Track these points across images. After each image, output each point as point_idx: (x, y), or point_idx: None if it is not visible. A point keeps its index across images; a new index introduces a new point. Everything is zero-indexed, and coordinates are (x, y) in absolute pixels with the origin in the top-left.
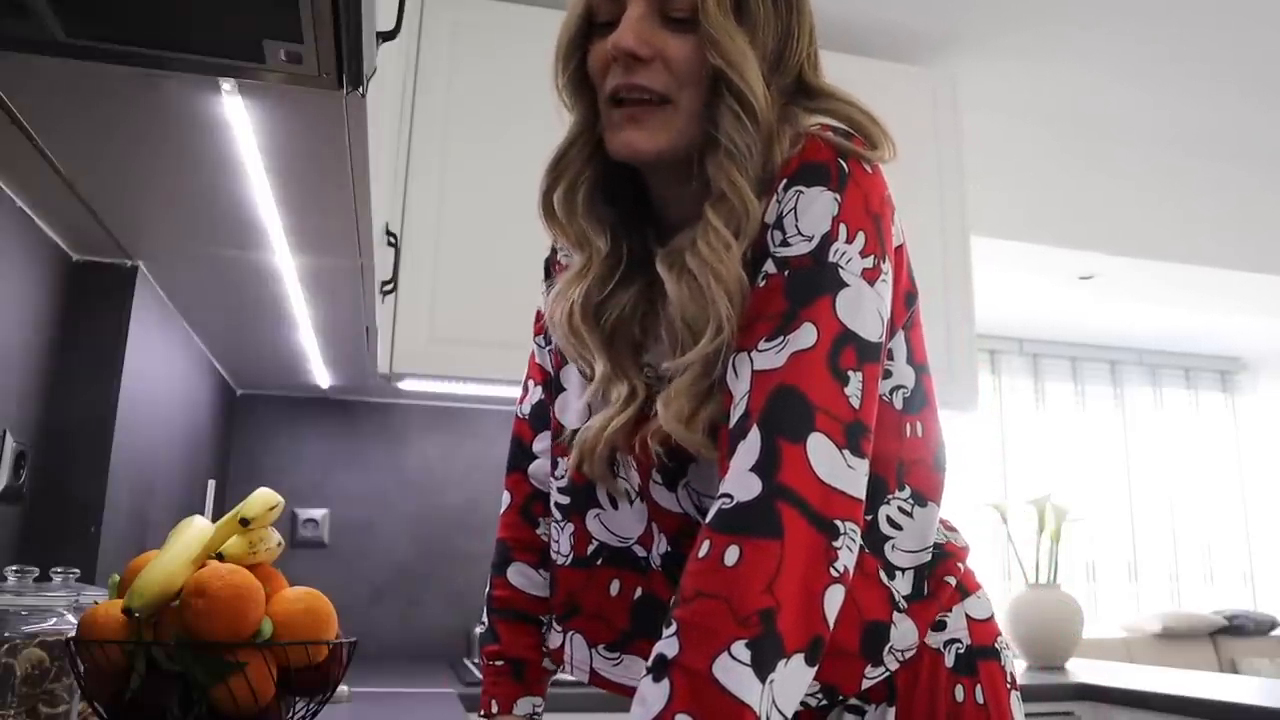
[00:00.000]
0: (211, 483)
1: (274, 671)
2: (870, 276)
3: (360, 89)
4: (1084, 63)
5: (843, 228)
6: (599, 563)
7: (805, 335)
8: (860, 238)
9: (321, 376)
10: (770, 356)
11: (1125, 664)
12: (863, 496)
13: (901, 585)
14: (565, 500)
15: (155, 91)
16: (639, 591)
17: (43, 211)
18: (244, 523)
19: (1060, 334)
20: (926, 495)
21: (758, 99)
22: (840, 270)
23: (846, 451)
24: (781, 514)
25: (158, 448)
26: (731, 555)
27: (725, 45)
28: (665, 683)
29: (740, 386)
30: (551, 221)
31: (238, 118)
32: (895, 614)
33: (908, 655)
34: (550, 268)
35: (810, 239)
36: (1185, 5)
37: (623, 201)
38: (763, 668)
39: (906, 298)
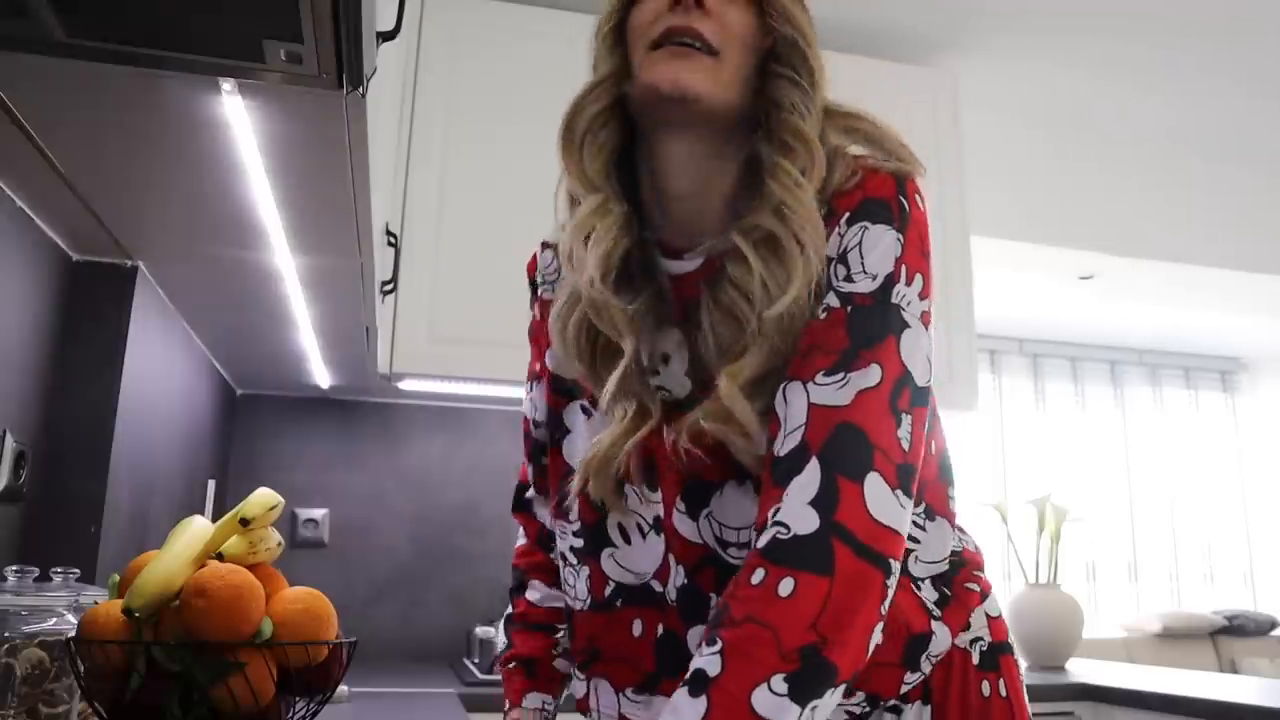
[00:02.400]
0: (211, 483)
1: (274, 671)
2: (926, 320)
3: (360, 89)
4: (1084, 63)
5: (904, 269)
6: (619, 604)
7: (870, 374)
8: (918, 280)
9: (321, 376)
10: (831, 392)
11: (1125, 664)
12: (906, 534)
13: (928, 594)
14: (579, 544)
15: (155, 91)
16: (661, 629)
17: (43, 211)
18: (244, 523)
19: (1060, 334)
20: (936, 510)
21: (822, 72)
22: (903, 311)
23: (899, 491)
24: (835, 551)
25: (158, 448)
26: (786, 587)
27: (797, 16)
28: (703, 699)
29: (795, 417)
30: (570, 154)
31: (238, 118)
32: (932, 622)
33: (938, 659)
34: (533, 299)
35: (875, 278)
36: (1185, 6)
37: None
38: (801, 697)
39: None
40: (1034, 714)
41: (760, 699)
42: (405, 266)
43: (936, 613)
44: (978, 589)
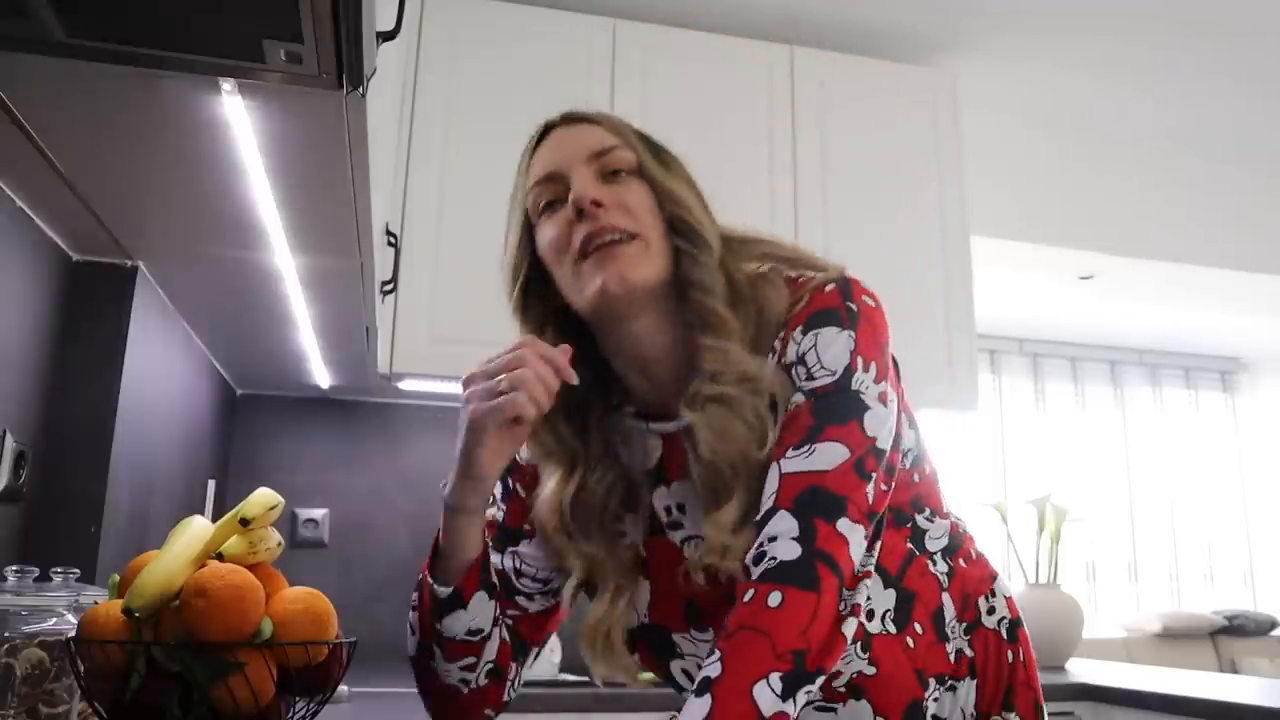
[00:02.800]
0: (211, 483)
1: (274, 671)
2: (883, 399)
3: (360, 89)
4: (1084, 63)
5: (860, 360)
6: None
7: (836, 450)
8: (874, 368)
9: (321, 376)
10: (799, 461)
11: (1125, 664)
12: (872, 569)
13: (940, 567)
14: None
15: (155, 91)
16: None
17: (43, 211)
18: (244, 523)
19: (1060, 334)
20: (935, 510)
21: (706, 232)
22: (862, 395)
23: (867, 537)
24: (820, 573)
25: (158, 448)
26: (774, 599)
27: (670, 188)
28: (707, 698)
29: (769, 487)
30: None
31: (238, 118)
32: (943, 594)
33: (960, 628)
34: (508, 479)
35: (834, 372)
36: (1185, 6)
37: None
38: (790, 694)
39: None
40: None
41: (761, 694)
42: (405, 266)
43: (944, 582)
44: (967, 564)
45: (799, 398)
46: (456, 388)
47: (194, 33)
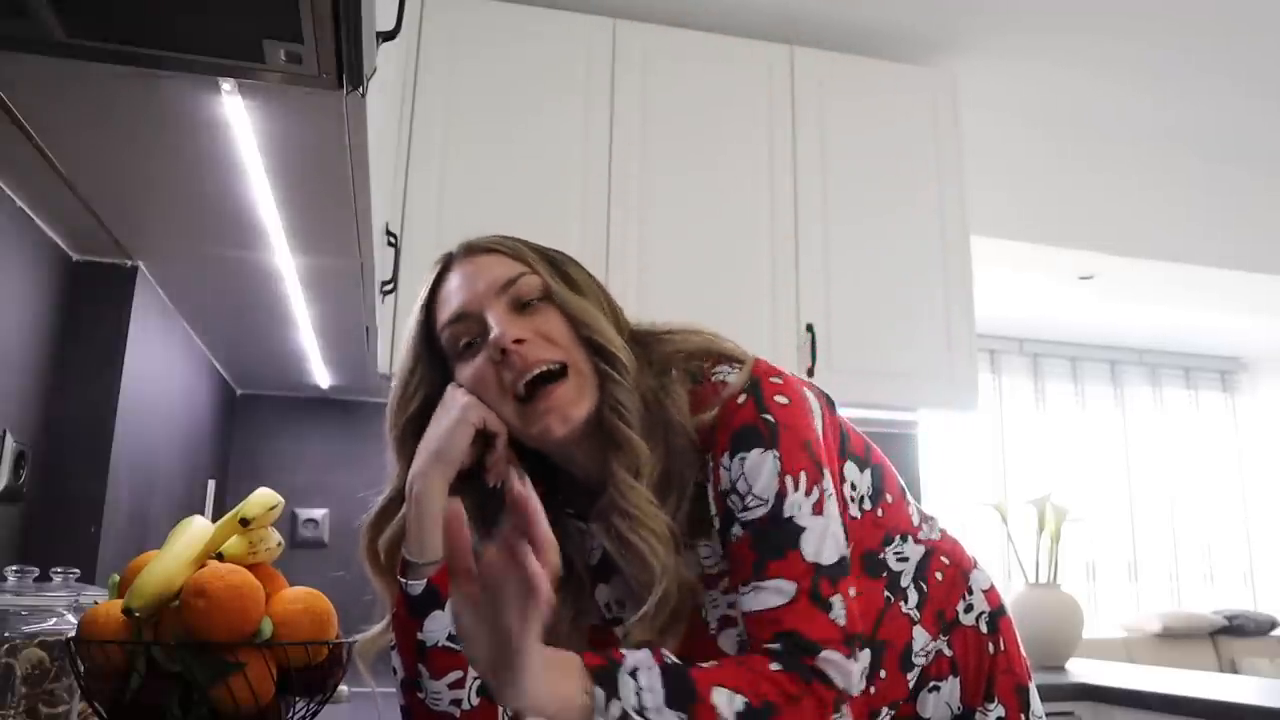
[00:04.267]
0: (211, 482)
1: (274, 671)
2: (818, 509)
3: (360, 89)
4: (1084, 63)
5: (788, 480)
6: None
7: (781, 586)
8: (803, 477)
9: (321, 376)
10: (750, 598)
11: (1125, 664)
12: (860, 688)
13: (912, 599)
14: None
15: (155, 91)
16: None
17: (43, 211)
18: (244, 523)
19: (1060, 334)
20: (906, 532)
21: (621, 352)
22: (796, 520)
23: (850, 659)
24: (806, 706)
25: (158, 448)
26: (775, 665)
27: (579, 311)
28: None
29: (742, 623)
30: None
31: (238, 118)
32: (913, 628)
33: (927, 654)
34: None
35: (766, 501)
36: (1185, 5)
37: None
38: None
39: (842, 436)
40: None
41: (719, 696)
42: (405, 266)
43: (916, 617)
44: (941, 577)
45: (738, 529)
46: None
47: (194, 33)
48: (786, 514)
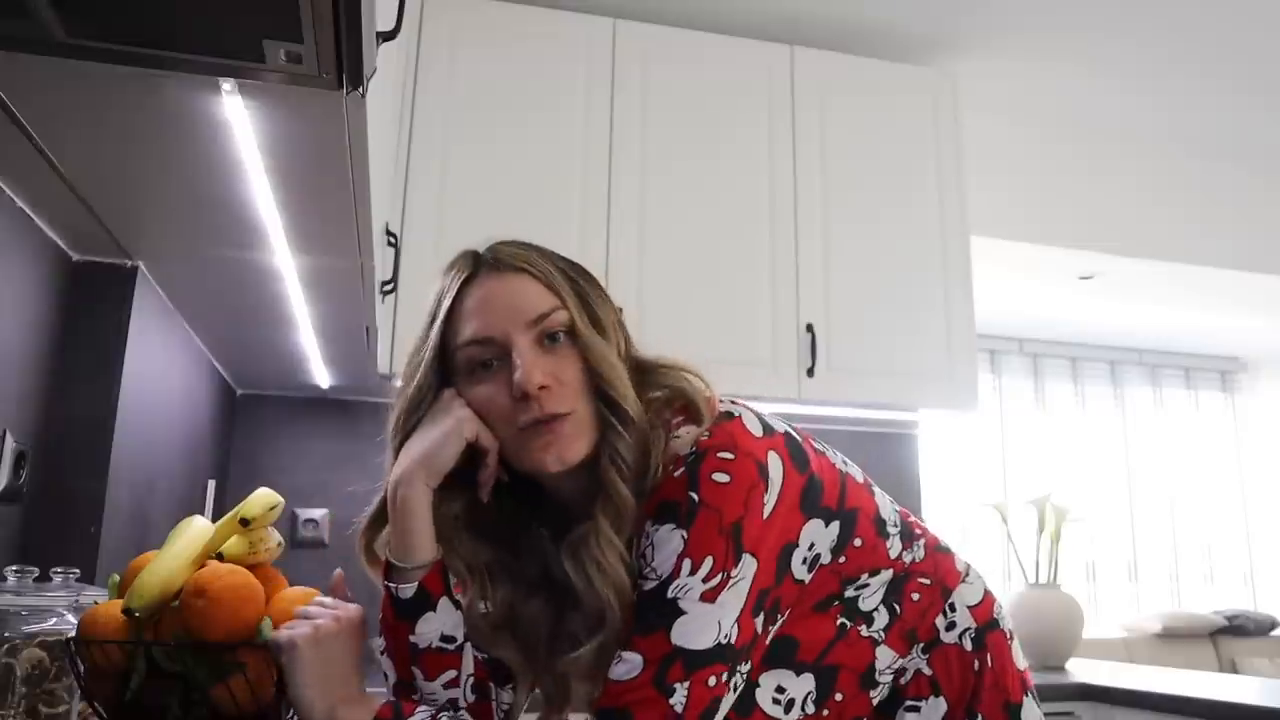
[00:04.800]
0: (211, 483)
1: (274, 671)
2: (710, 596)
3: (360, 89)
4: (1084, 63)
5: (686, 563)
6: None
7: (633, 660)
8: (707, 563)
9: (321, 376)
10: (614, 665)
11: (1125, 664)
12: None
13: (879, 622)
14: None
15: (155, 91)
16: None
17: (43, 211)
18: (244, 523)
19: (1060, 334)
20: (876, 566)
21: (632, 406)
22: (679, 602)
23: None
24: None
25: (158, 448)
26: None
27: (599, 361)
28: None
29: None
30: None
31: (238, 118)
32: (876, 649)
33: (894, 670)
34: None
35: (658, 577)
36: (1184, 6)
37: (501, 517)
38: None
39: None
40: None
41: None
42: (405, 266)
43: (880, 638)
44: (918, 598)
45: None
46: None
47: (194, 33)
48: (670, 594)
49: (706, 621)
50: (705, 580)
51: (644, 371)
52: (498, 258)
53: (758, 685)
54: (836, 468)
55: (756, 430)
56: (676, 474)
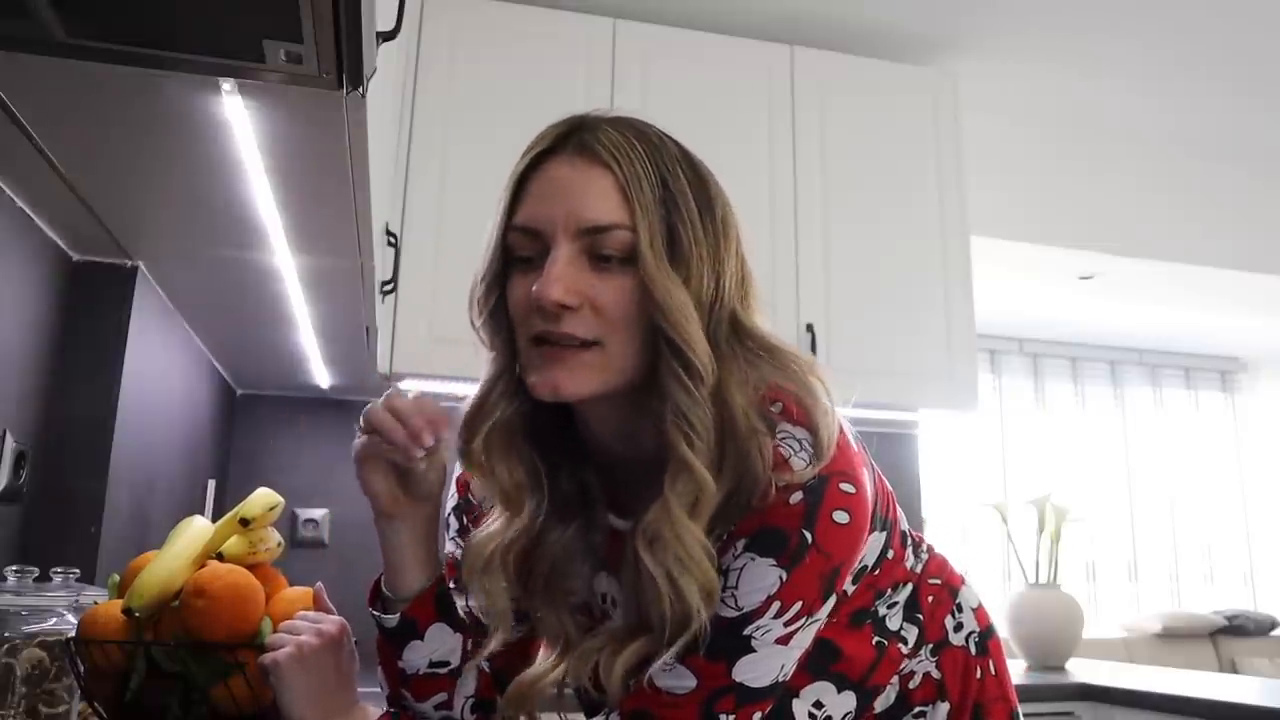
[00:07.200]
0: (211, 483)
1: None
2: (785, 640)
3: (360, 89)
4: (1084, 63)
5: (775, 605)
6: None
7: (685, 678)
8: (795, 608)
9: (321, 376)
10: (659, 670)
11: (1125, 664)
12: None
13: (910, 638)
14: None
15: (155, 91)
16: None
17: (43, 211)
18: (244, 523)
19: (1060, 334)
20: (898, 580)
21: (700, 359)
22: (753, 640)
23: None
24: None
25: (158, 448)
26: None
27: (664, 298)
28: None
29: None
30: (478, 471)
31: (238, 118)
32: (906, 662)
33: (903, 673)
34: (463, 516)
35: (739, 609)
36: (1185, 6)
37: (550, 436)
38: None
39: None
40: (1034, 714)
41: None
42: (405, 266)
43: (905, 650)
44: (933, 600)
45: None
46: (457, 387)
47: (194, 33)
48: (745, 632)
49: (773, 664)
50: (786, 625)
51: (742, 335)
52: (583, 136)
53: (797, 696)
54: (877, 471)
55: (853, 443)
56: (793, 500)
